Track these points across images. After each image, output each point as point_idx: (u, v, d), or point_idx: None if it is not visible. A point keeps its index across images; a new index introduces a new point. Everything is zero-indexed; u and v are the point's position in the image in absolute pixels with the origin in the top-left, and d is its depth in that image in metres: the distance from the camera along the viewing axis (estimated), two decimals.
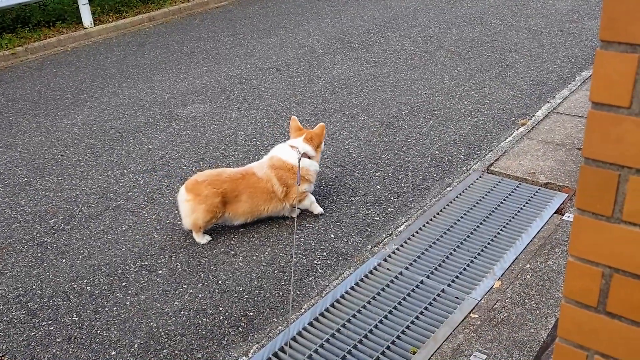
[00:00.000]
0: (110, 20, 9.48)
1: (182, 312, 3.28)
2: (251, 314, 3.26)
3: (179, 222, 4.10)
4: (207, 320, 3.22)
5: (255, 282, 3.49)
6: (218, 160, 4.92)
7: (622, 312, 1.12)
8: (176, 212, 4.23)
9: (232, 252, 3.77)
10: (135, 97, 6.47)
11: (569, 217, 3.86)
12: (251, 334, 3.12)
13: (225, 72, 7.03)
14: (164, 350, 3.02)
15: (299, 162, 3.88)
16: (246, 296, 3.39)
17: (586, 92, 5.68)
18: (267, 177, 3.88)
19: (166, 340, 3.09)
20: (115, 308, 3.35)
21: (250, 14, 9.69)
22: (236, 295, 3.40)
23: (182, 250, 3.81)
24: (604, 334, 1.16)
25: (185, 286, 3.49)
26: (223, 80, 6.77)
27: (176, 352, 3.02)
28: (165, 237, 3.96)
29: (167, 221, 4.13)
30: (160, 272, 3.62)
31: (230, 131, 5.47)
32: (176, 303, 3.35)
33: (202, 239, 3.88)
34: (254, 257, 3.71)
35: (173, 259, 3.73)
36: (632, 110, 0.98)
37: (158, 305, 3.34)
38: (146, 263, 3.71)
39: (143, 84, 6.86)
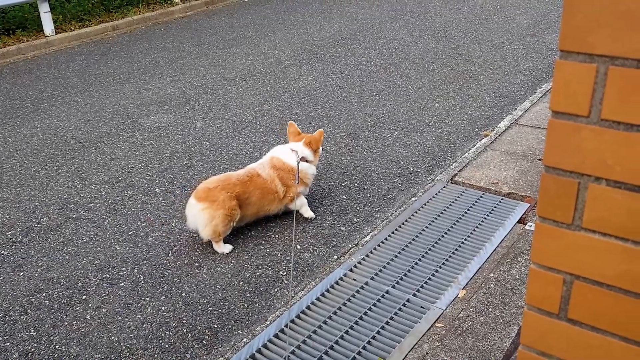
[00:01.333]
0: (72, 28, 9.32)
1: (144, 326, 3.21)
2: (215, 326, 3.21)
3: (142, 234, 4.03)
4: (170, 333, 3.16)
5: (220, 294, 3.44)
6: (182, 171, 4.86)
7: (582, 319, 1.14)
8: (139, 223, 4.16)
9: (196, 264, 3.71)
10: (98, 106, 6.35)
11: (531, 226, 3.92)
12: (215, 347, 3.07)
13: (190, 82, 6.97)
14: None
15: (298, 164, 3.93)
16: (210, 308, 3.34)
17: (546, 104, 5.81)
18: (271, 178, 3.93)
19: (128, 354, 3.02)
20: (75, 322, 3.25)
21: (216, 24, 9.64)
22: (200, 307, 3.34)
23: (144, 262, 3.74)
24: (566, 340, 1.17)
25: (147, 299, 3.41)
26: (188, 90, 6.71)
27: None
28: (127, 249, 3.88)
29: (130, 233, 4.05)
30: (122, 284, 3.54)
31: (195, 141, 5.42)
32: (138, 316, 3.28)
33: (224, 248, 3.82)
34: (219, 269, 3.66)
35: (135, 271, 3.66)
36: (591, 119, 1.00)
37: (120, 318, 3.26)
38: (107, 275, 3.62)
39: (106, 93, 6.75)
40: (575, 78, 0.99)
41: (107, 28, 9.47)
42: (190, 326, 3.21)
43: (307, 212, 4.17)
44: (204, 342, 3.10)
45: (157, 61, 7.83)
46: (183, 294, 3.45)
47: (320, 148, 4.20)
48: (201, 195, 3.72)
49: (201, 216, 3.70)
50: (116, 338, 3.13)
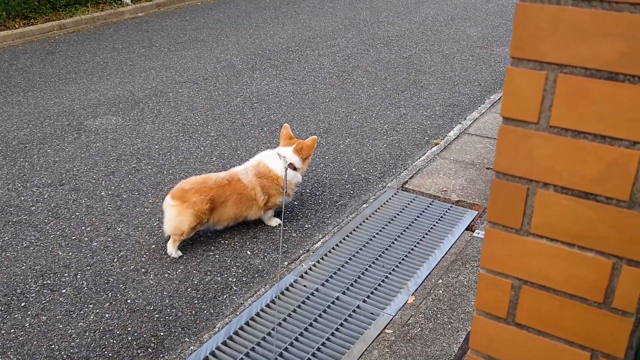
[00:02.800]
0: (17, 26, 8.99)
1: (86, 334, 3.10)
2: (162, 334, 3.13)
3: (86, 239, 3.90)
4: (114, 341, 3.06)
5: (167, 301, 3.36)
6: (130, 175, 4.74)
7: (530, 323, 1.15)
8: (83, 227, 4.03)
9: (143, 270, 3.61)
10: (42, 107, 6.13)
11: (479, 233, 3.99)
12: (161, 355, 2.99)
13: (139, 84, 6.82)
14: None
15: (286, 171, 3.86)
16: (157, 315, 3.25)
17: (495, 114, 5.95)
18: (252, 185, 3.89)
19: None
20: (12, 330, 3.11)
21: (167, 27, 9.49)
22: (146, 314, 3.25)
23: (88, 268, 3.61)
24: (513, 344, 1.18)
25: (91, 306, 3.30)
26: (137, 93, 6.56)
27: None
28: (70, 254, 3.74)
29: (73, 237, 3.91)
30: (64, 291, 3.41)
31: (144, 144, 5.29)
32: (81, 324, 3.16)
33: (176, 252, 3.76)
34: (166, 275, 3.57)
35: (78, 277, 3.53)
36: (540, 125, 1.01)
37: (60, 326, 3.14)
38: (48, 282, 3.49)
39: (51, 93, 6.53)
40: (526, 85, 1.00)
41: (53, 27, 9.18)
42: (136, 334, 3.11)
43: (273, 222, 4.14)
44: (150, 350, 3.02)
45: (106, 62, 7.64)
46: (128, 301, 3.35)
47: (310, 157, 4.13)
48: (175, 194, 3.73)
49: (170, 212, 3.71)
50: (57, 347, 3.00)
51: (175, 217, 3.67)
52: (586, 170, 0.99)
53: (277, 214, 4.14)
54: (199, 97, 6.46)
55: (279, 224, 4.12)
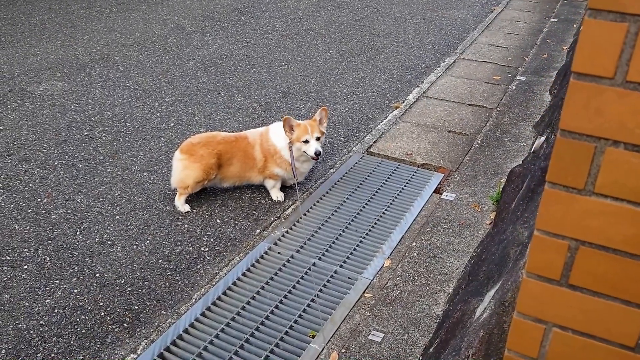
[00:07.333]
0: None
1: (55, 311, 2.93)
2: (136, 307, 3.00)
3: (43, 211, 3.68)
4: (86, 317, 2.91)
5: (138, 273, 3.22)
6: (84, 143, 4.49)
7: (584, 284, 1.13)
8: (39, 199, 3.80)
9: (109, 242, 3.45)
10: None
11: (447, 195, 4.02)
12: (138, 329, 2.87)
13: (83, 47, 6.44)
14: (38, 355, 2.68)
15: (291, 151, 3.79)
16: (129, 289, 3.12)
17: (451, 77, 5.98)
18: (254, 143, 3.88)
19: (39, 343, 2.75)
20: None
21: None
22: (117, 288, 3.11)
23: (49, 242, 3.41)
24: (564, 306, 1.16)
25: (57, 281, 3.13)
26: (82, 56, 6.20)
27: (53, 355, 2.69)
28: (28, 228, 3.52)
29: (29, 210, 3.68)
30: (25, 267, 3.21)
31: (95, 111, 5.02)
32: (48, 301, 2.99)
33: (183, 206, 3.80)
34: (134, 247, 3.43)
35: (40, 252, 3.33)
36: (615, 80, 0.97)
37: (26, 304, 2.96)
38: (7, 258, 3.27)
39: None
40: (603, 38, 0.95)
41: None
42: (108, 309, 2.98)
43: (275, 194, 4.00)
44: (125, 324, 2.89)
45: (44, 24, 7.17)
46: (97, 275, 3.19)
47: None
48: (184, 148, 3.79)
49: (176, 165, 3.77)
50: (24, 326, 2.83)
51: (182, 171, 3.73)
52: None
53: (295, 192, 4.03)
54: (149, 60, 6.17)
55: (279, 201, 3.98)
